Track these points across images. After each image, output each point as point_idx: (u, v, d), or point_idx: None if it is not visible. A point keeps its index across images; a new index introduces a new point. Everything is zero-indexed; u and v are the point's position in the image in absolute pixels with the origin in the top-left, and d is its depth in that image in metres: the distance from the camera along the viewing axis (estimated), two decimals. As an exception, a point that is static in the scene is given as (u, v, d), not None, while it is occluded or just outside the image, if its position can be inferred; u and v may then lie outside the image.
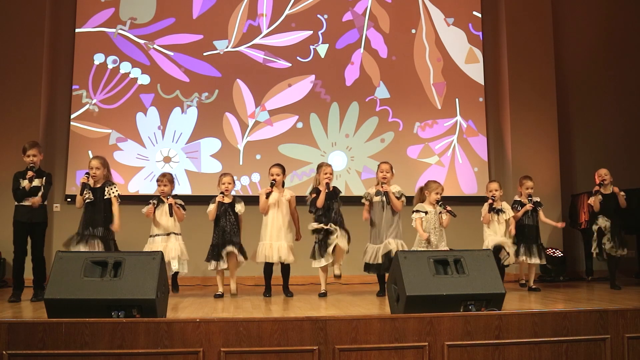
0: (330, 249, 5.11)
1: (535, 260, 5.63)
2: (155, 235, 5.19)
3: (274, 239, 5.23)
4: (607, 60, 7.73)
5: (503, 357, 3.10)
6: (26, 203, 4.90)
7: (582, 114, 7.66)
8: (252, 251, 5.29)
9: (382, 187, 5.31)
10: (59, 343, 2.86)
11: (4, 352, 2.83)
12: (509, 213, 5.62)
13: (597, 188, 5.79)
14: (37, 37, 6.67)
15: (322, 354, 2.97)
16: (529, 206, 5.69)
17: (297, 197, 5.50)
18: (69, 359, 2.86)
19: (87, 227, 4.91)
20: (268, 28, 7.19)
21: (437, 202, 5.17)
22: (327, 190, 5.20)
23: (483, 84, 7.46)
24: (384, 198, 5.29)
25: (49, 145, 6.70)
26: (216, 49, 7.09)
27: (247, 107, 7.05)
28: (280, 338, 2.96)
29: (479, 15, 7.55)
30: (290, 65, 7.15)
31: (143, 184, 6.79)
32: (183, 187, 6.73)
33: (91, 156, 6.17)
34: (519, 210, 5.71)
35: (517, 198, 5.88)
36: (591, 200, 5.85)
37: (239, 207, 5.23)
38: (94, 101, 6.87)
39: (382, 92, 7.24)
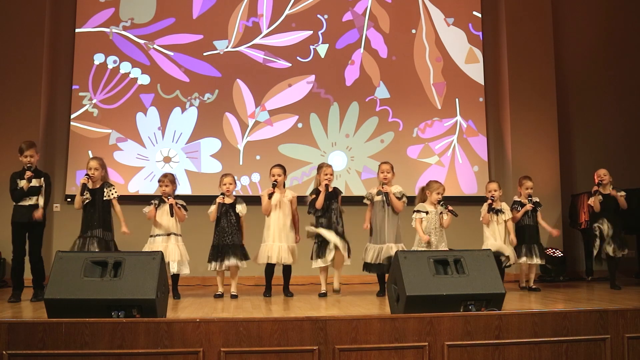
0: (329, 257, 5.12)
1: (537, 261, 5.63)
2: (156, 235, 5.18)
3: (276, 239, 5.23)
4: (607, 60, 7.73)
5: (503, 357, 3.10)
6: (25, 203, 4.90)
7: (582, 114, 7.66)
8: (254, 253, 5.28)
9: (382, 187, 5.31)
10: (59, 343, 2.86)
11: (4, 352, 2.83)
12: (508, 214, 5.62)
13: (595, 188, 5.79)
14: (37, 37, 6.67)
15: (322, 354, 2.97)
16: (529, 206, 5.68)
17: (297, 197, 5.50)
18: (69, 359, 2.86)
19: (87, 230, 4.92)
20: (268, 28, 7.19)
21: (439, 202, 5.17)
22: (326, 191, 5.20)
23: (483, 84, 7.46)
24: (385, 198, 5.29)
25: (49, 145, 6.71)
26: (216, 49, 7.09)
27: (247, 107, 7.05)
28: (280, 338, 2.96)
29: (479, 15, 7.55)
30: (290, 65, 7.15)
31: (143, 184, 6.79)
32: (183, 187, 6.73)
33: (91, 156, 6.18)
34: (519, 211, 5.71)
35: (516, 198, 5.87)
36: (591, 201, 5.84)
37: (240, 208, 5.21)
38: (94, 101, 6.87)
39: (382, 92, 7.24)
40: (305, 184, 6.89)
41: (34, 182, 4.89)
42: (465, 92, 7.39)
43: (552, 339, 3.15)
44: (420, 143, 7.23)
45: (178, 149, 6.90)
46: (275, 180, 5.24)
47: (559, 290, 5.62)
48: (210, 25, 7.11)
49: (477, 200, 6.46)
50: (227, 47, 7.10)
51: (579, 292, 5.40)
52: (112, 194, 5.04)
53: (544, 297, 4.96)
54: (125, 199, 5.76)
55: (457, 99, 7.36)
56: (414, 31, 7.40)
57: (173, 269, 5.06)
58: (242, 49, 7.12)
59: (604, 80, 7.69)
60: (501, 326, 3.13)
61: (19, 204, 4.91)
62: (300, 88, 7.14)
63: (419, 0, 7.45)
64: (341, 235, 5.20)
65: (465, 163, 7.26)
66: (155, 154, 6.87)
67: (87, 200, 4.95)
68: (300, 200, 5.50)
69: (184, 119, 6.95)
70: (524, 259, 5.61)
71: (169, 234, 5.17)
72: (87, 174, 4.97)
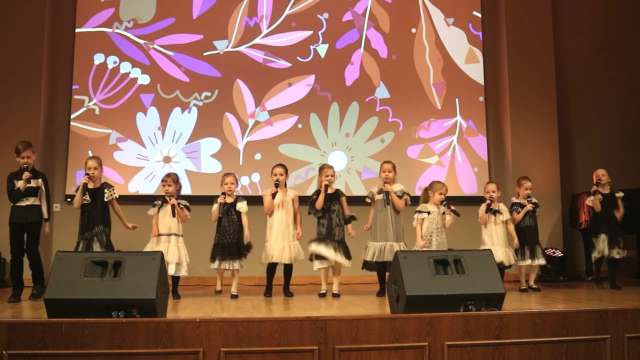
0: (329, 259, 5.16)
1: (540, 262, 5.63)
2: (158, 235, 5.16)
3: (279, 239, 5.23)
4: (607, 60, 7.73)
5: (503, 357, 3.10)
6: (22, 204, 4.90)
7: (582, 114, 7.66)
8: (257, 254, 5.27)
9: (384, 186, 5.32)
10: (59, 343, 2.86)
11: (4, 352, 2.83)
12: (505, 214, 5.61)
13: (595, 188, 5.78)
14: (37, 37, 6.67)
15: (322, 354, 2.97)
16: (529, 206, 5.68)
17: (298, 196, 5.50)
18: (69, 359, 2.86)
19: (87, 230, 4.92)
20: (268, 28, 7.19)
21: (441, 202, 5.17)
22: (326, 192, 5.20)
23: (483, 84, 7.45)
24: (386, 197, 5.29)
25: (49, 145, 6.71)
26: (216, 49, 7.09)
27: (247, 107, 7.05)
28: (280, 338, 2.96)
29: (479, 15, 7.55)
30: (290, 65, 7.15)
31: (143, 184, 6.79)
32: (183, 187, 6.70)
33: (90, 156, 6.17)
34: (519, 212, 5.70)
35: (514, 200, 5.85)
36: (590, 201, 5.82)
37: (240, 205, 5.20)
38: (94, 101, 6.87)
39: (382, 92, 7.24)
40: (305, 184, 6.89)
41: (32, 183, 4.89)
42: (465, 92, 7.39)
43: (552, 339, 3.15)
44: (420, 143, 7.23)
45: (178, 149, 6.90)
46: (278, 180, 5.24)
47: (559, 290, 5.62)
48: (210, 25, 7.11)
49: (477, 201, 6.43)
50: (227, 47, 7.10)
51: (579, 292, 5.40)
52: (113, 194, 5.05)
53: (544, 297, 4.96)
54: (125, 199, 5.76)
55: (457, 99, 7.36)
56: (414, 31, 7.39)
57: (170, 270, 5.04)
58: (242, 49, 7.12)
59: (604, 80, 7.69)
60: (501, 326, 3.13)
61: (16, 204, 4.91)
62: (300, 88, 7.14)
63: (419, 0, 7.44)
64: (341, 240, 5.21)
65: (465, 163, 7.26)
66: (155, 154, 6.87)
67: (86, 201, 4.95)
68: (304, 200, 5.49)
69: (184, 119, 6.95)
70: (528, 262, 5.60)
71: (170, 234, 5.16)
72: (87, 174, 4.98)
